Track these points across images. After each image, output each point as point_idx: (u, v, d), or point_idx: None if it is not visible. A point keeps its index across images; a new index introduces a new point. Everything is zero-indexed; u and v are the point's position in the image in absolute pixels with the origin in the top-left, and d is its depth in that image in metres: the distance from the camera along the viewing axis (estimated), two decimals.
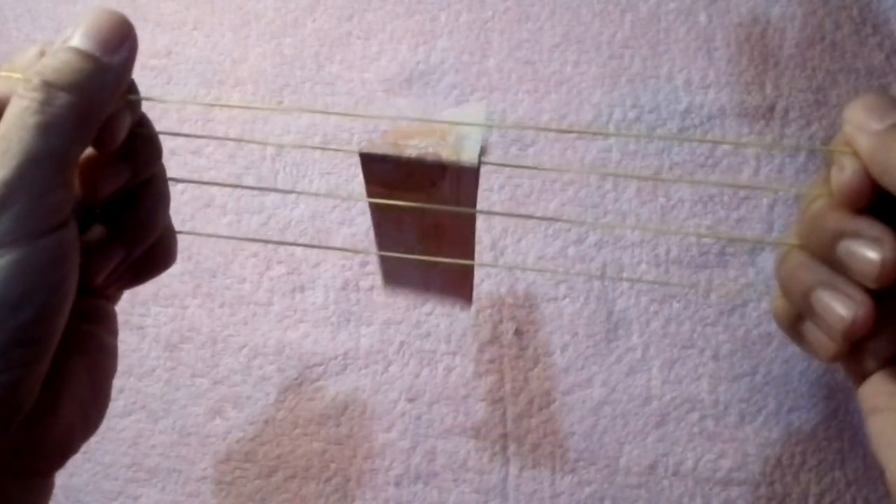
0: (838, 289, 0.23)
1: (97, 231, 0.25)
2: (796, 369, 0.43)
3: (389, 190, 0.26)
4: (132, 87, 0.25)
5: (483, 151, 0.25)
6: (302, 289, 0.45)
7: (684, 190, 0.44)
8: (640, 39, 0.45)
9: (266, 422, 0.45)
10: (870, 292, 0.23)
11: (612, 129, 0.45)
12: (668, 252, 0.44)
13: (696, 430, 0.43)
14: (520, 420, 0.44)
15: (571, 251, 0.44)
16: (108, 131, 0.24)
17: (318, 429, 0.44)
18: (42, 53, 0.24)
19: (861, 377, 0.25)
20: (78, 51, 0.23)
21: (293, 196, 0.46)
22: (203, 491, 0.44)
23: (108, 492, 0.45)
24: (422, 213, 0.27)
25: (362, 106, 0.46)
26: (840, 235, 0.23)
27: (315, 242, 0.46)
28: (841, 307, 0.23)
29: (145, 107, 0.26)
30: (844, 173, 0.23)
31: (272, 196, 0.46)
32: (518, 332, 0.44)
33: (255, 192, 0.46)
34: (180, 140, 0.47)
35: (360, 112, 0.46)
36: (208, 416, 0.45)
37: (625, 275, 0.44)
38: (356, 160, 0.45)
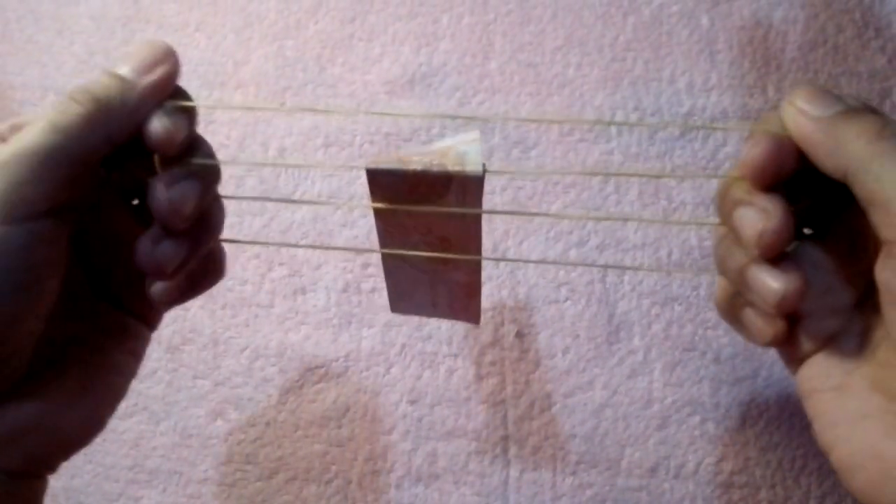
0: (771, 263, 0.24)
1: (169, 247, 0.25)
2: None
3: (395, 199, 0.27)
4: (183, 95, 0.26)
5: (485, 167, 0.26)
6: (303, 291, 0.45)
7: (686, 193, 0.44)
8: (643, 42, 0.45)
9: (267, 424, 0.45)
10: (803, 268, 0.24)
11: (613, 131, 0.45)
12: (669, 255, 0.44)
13: (697, 432, 0.43)
14: (521, 422, 0.44)
15: (573, 254, 0.44)
16: (156, 134, 0.24)
17: (320, 431, 0.44)
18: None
19: (798, 362, 0.26)
20: (109, 72, 0.25)
21: (295, 198, 0.46)
22: (204, 493, 0.44)
23: (109, 493, 0.45)
24: (428, 227, 0.27)
25: (364, 108, 0.46)
26: (736, 204, 0.24)
27: (317, 245, 0.46)
28: (773, 280, 0.24)
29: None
30: (756, 149, 0.24)
31: (274, 198, 0.46)
32: (519, 335, 0.44)
33: (257, 193, 0.46)
34: None
35: (364, 111, 0.46)
36: (209, 418, 0.45)
37: (626, 277, 0.44)
38: (359, 163, 0.45)
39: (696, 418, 0.43)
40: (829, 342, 0.26)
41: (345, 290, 0.45)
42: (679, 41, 0.45)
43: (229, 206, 0.48)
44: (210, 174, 0.26)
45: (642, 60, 0.45)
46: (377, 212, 0.27)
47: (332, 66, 0.47)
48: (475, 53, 0.46)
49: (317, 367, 0.45)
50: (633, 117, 0.45)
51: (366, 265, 0.45)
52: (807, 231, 0.27)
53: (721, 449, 0.43)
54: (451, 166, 0.25)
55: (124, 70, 0.25)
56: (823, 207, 0.26)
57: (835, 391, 0.25)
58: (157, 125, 0.24)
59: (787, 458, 0.43)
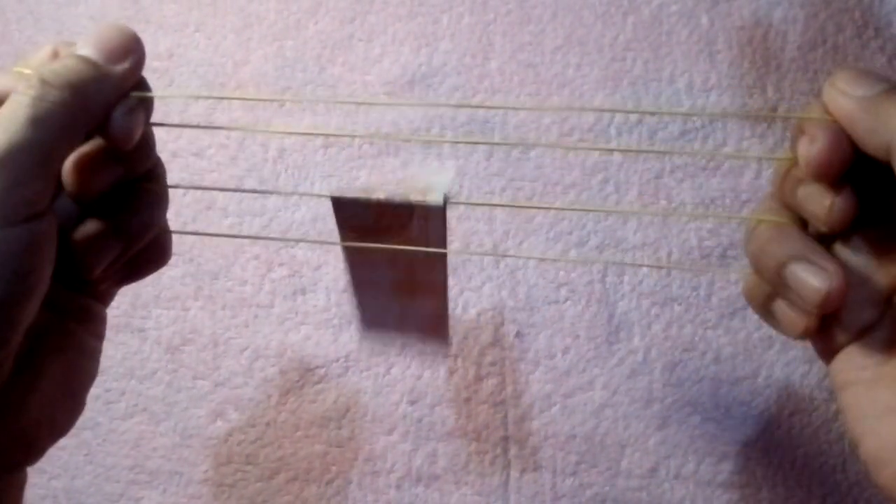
0: (811, 261, 0.24)
1: (93, 225, 0.26)
2: (798, 372, 0.43)
3: (362, 234, 0.27)
4: (144, 87, 0.26)
5: (447, 198, 0.26)
6: (303, 291, 0.45)
7: (686, 193, 0.44)
8: (643, 42, 0.45)
9: (267, 424, 0.45)
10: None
11: (613, 132, 0.45)
12: (669, 255, 0.44)
13: (697, 432, 0.43)
14: (521, 423, 0.44)
15: (573, 254, 0.44)
16: (120, 129, 0.25)
17: (320, 431, 0.44)
18: (56, 54, 0.25)
19: (831, 353, 0.26)
20: (80, 57, 0.24)
21: (295, 198, 0.46)
22: (204, 493, 0.44)
23: (110, 494, 0.45)
24: (394, 259, 0.28)
25: (363, 109, 0.46)
26: (799, 182, 0.24)
27: (317, 245, 0.46)
28: (815, 279, 0.23)
29: None
30: (816, 144, 0.23)
31: (274, 198, 0.46)
32: (519, 335, 0.44)
33: (257, 195, 0.46)
34: (182, 142, 0.47)
35: (361, 116, 0.46)
36: (210, 419, 0.45)
37: (626, 278, 0.44)
38: (358, 163, 0.46)
39: (697, 418, 0.43)
40: (864, 333, 0.25)
41: (345, 291, 0.45)
42: (679, 41, 0.45)
43: (229, 207, 0.48)
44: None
45: (642, 60, 0.45)
46: (341, 230, 0.28)
47: (332, 66, 0.47)
48: (475, 54, 0.46)
49: (317, 368, 0.45)
50: (633, 118, 0.45)
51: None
52: None
53: (721, 449, 0.43)
54: (414, 196, 0.26)
55: (94, 54, 0.24)
56: (867, 194, 0.25)
57: (867, 383, 0.25)
58: (122, 121, 0.24)
59: (787, 458, 0.43)
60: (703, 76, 0.45)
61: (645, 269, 0.44)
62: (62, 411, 0.26)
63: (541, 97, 0.46)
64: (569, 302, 0.44)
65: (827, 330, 0.25)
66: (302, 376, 0.45)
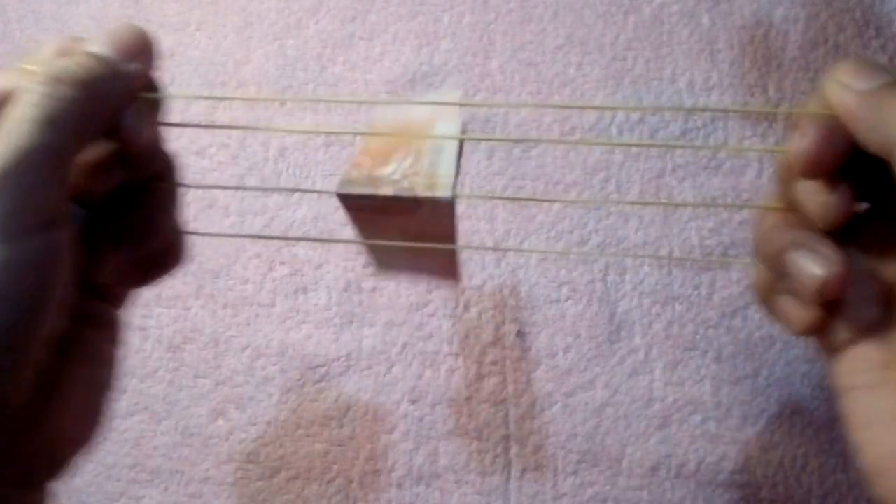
0: (811, 248, 0.23)
1: (100, 227, 0.25)
2: (799, 371, 0.43)
3: (368, 214, 0.27)
4: (155, 87, 0.25)
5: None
6: (304, 290, 0.45)
7: (687, 192, 0.44)
8: (644, 41, 0.45)
9: (268, 423, 0.45)
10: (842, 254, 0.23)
11: (614, 131, 0.45)
12: (671, 253, 0.44)
13: (698, 432, 0.43)
14: (522, 422, 0.44)
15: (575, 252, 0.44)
16: (131, 130, 0.24)
17: (321, 430, 0.44)
18: (64, 51, 0.24)
19: (834, 352, 0.25)
20: (91, 54, 0.23)
21: (296, 197, 0.46)
22: (205, 492, 0.44)
23: (111, 493, 0.45)
24: (403, 228, 0.27)
25: (365, 107, 0.46)
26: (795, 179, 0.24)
27: (318, 243, 0.46)
28: (813, 265, 0.23)
29: None
30: (806, 139, 0.23)
31: (275, 197, 0.46)
32: (520, 334, 0.44)
33: (258, 192, 0.46)
34: (183, 141, 0.47)
35: (363, 114, 0.46)
36: (211, 417, 0.45)
37: (627, 277, 0.44)
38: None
39: (698, 417, 0.43)
40: (868, 333, 0.24)
41: (346, 290, 0.45)
42: (680, 40, 0.45)
43: (231, 206, 0.48)
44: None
45: (643, 60, 0.45)
46: (349, 212, 0.27)
47: (333, 65, 0.47)
48: (476, 53, 0.46)
49: (318, 367, 0.45)
50: (634, 117, 0.45)
51: (367, 265, 0.45)
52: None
53: (722, 448, 0.43)
54: (421, 190, 0.25)
55: (107, 52, 0.23)
56: (872, 185, 0.24)
57: (869, 388, 0.24)
58: (133, 122, 0.24)
59: (788, 457, 0.43)
60: (705, 75, 0.45)
61: (646, 268, 0.44)
62: (83, 423, 0.25)
63: (542, 96, 0.46)
64: (570, 301, 0.44)
65: (830, 326, 0.24)
66: (303, 375, 0.45)
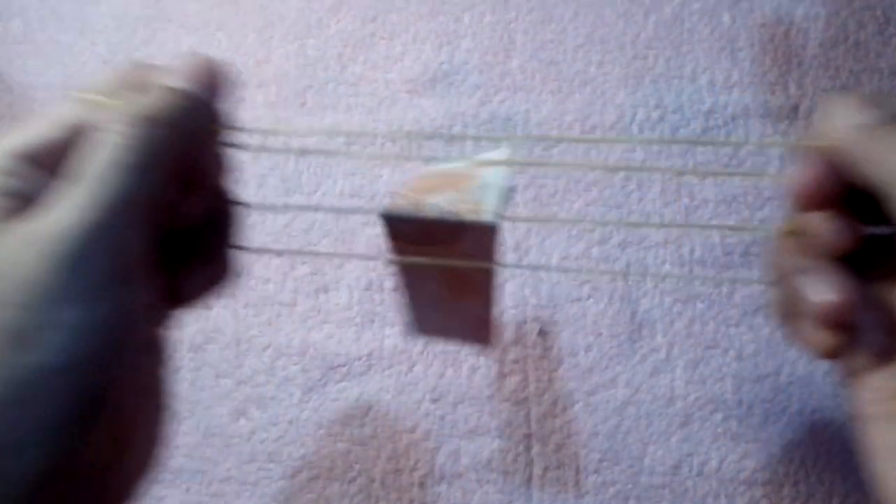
0: (817, 274, 0.23)
1: (175, 254, 0.23)
2: (820, 370, 0.43)
3: (411, 244, 0.26)
4: (222, 119, 0.25)
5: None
6: (326, 289, 0.45)
7: (708, 190, 0.44)
8: (664, 40, 0.45)
9: (290, 422, 0.45)
10: (857, 279, 0.23)
11: (635, 129, 0.45)
12: (692, 252, 0.44)
13: (720, 430, 0.43)
14: (544, 420, 0.44)
15: (595, 251, 0.44)
16: (212, 166, 0.23)
17: (342, 429, 0.44)
18: (134, 83, 0.23)
19: (852, 378, 0.25)
20: (172, 89, 0.22)
21: (317, 196, 0.46)
22: (227, 491, 0.44)
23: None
24: (444, 264, 0.27)
25: (385, 107, 0.46)
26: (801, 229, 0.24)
27: (339, 243, 0.46)
28: (818, 290, 0.23)
29: None
30: (799, 173, 0.23)
31: (296, 196, 0.46)
32: (542, 333, 0.44)
33: (280, 192, 0.46)
34: None
35: (383, 113, 0.46)
36: (232, 417, 0.45)
37: (648, 276, 0.44)
38: (379, 161, 0.45)
39: (719, 416, 0.43)
40: (883, 360, 0.23)
41: (367, 289, 0.45)
42: (700, 39, 0.45)
43: (252, 204, 0.48)
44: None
45: (664, 58, 0.45)
46: (391, 241, 0.27)
47: (354, 64, 0.47)
48: (496, 52, 0.46)
49: (339, 366, 0.45)
50: (655, 115, 0.45)
51: (388, 264, 0.45)
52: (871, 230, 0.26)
53: (744, 446, 0.43)
54: (467, 213, 0.25)
55: (187, 85, 0.22)
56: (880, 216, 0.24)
57: (889, 418, 0.23)
58: (214, 159, 0.23)
59: (809, 456, 0.43)
60: (725, 73, 0.45)
61: (668, 267, 0.44)
62: (148, 452, 0.23)
63: (562, 95, 0.46)
64: (591, 300, 0.44)
65: (846, 352, 0.24)
66: (324, 374, 0.45)
